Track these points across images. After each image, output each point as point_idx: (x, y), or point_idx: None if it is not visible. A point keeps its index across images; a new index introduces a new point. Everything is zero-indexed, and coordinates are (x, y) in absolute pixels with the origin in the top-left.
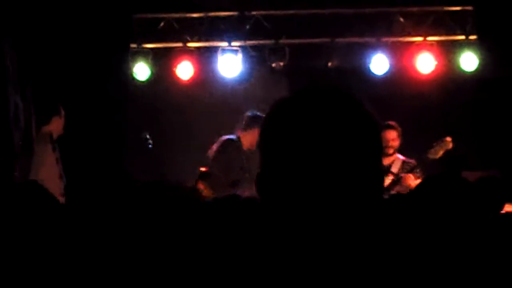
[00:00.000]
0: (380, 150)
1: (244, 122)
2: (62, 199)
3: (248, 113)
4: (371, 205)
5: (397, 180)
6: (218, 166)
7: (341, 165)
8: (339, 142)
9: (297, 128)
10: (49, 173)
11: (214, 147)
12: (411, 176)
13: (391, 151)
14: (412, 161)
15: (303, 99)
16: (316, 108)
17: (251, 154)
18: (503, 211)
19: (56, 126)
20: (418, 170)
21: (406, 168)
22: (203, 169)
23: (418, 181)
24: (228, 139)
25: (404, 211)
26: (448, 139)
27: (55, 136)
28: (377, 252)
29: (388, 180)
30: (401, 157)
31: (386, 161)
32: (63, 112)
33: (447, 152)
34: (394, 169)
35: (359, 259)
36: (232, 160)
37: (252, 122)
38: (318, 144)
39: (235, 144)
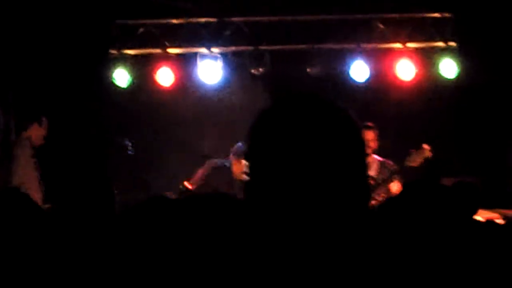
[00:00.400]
0: (363, 155)
1: (236, 150)
2: (42, 204)
3: (240, 143)
4: (356, 212)
5: (376, 184)
6: (203, 189)
7: (327, 171)
8: (324, 149)
9: (282, 138)
10: (28, 177)
11: (205, 168)
12: (396, 184)
13: (368, 151)
14: (390, 162)
15: (287, 108)
16: (300, 117)
17: (240, 183)
18: (481, 218)
19: (35, 132)
20: (396, 176)
21: (384, 170)
22: (188, 186)
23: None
24: (221, 165)
25: (382, 218)
26: (426, 146)
27: (35, 143)
28: (359, 257)
29: None
30: (378, 158)
31: None
32: (44, 121)
33: (426, 160)
34: (372, 171)
35: (343, 265)
36: (219, 186)
37: (243, 152)
38: (303, 152)
39: (226, 171)
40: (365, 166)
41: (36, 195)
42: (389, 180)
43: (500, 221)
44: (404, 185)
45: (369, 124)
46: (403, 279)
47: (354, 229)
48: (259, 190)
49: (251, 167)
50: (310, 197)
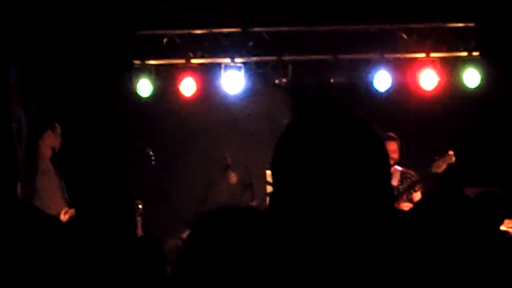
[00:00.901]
0: (388, 169)
1: None
2: (64, 214)
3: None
4: (382, 224)
5: (399, 194)
6: None
7: (352, 185)
8: (349, 163)
9: (308, 151)
10: (50, 185)
11: None
12: (418, 193)
13: (390, 162)
14: (411, 172)
15: (312, 122)
16: (325, 131)
17: None
18: (506, 228)
19: (49, 140)
20: (419, 186)
21: (406, 180)
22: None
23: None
24: None
25: (404, 228)
26: (451, 152)
27: (54, 149)
28: (384, 268)
29: None
30: (399, 168)
31: None
32: (58, 128)
33: (450, 166)
34: (394, 182)
35: (366, 277)
36: None
37: None
38: (328, 166)
39: None
40: (389, 180)
41: (58, 202)
42: (411, 190)
43: None
44: (425, 195)
45: (391, 135)
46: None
47: (380, 240)
48: (284, 202)
49: (276, 179)
50: (335, 208)
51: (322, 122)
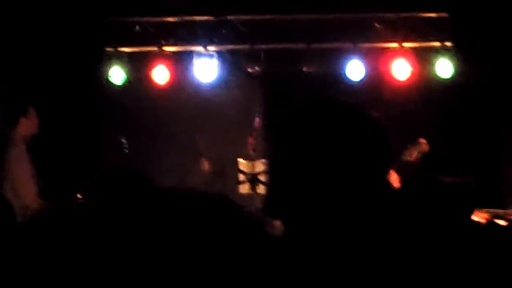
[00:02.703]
0: (388, 161)
1: None
2: (37, 201)
3: None
4: (374, 217)
5: None
6: None
7: (351, 176)
8: (351, 155)
9: (308, 142)
10: (22, 175)
11: None
12: (391, 173)
13: None
14: None
15: (313, 113)
16: (327, 123)
17: None
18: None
19: (25, 127)
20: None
21: None
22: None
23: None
24: None
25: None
26: (422, 140)
27: (28, 136)
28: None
29: None
30: None
31: None
32: (32, 112)
33: (423, 154)
34: None
35: (357, 270)
36: None
37: None
38: (328, 157)
39: None
40: (387, 171)
41: (31, 191)
42: None
43: (501, 222)
44: (403, 183)
45: None
46: (407, 279)
47: (377, 232)
48: (282, 192)
49: (273, 169)
50: (333, 198)
51: (323, 113)
